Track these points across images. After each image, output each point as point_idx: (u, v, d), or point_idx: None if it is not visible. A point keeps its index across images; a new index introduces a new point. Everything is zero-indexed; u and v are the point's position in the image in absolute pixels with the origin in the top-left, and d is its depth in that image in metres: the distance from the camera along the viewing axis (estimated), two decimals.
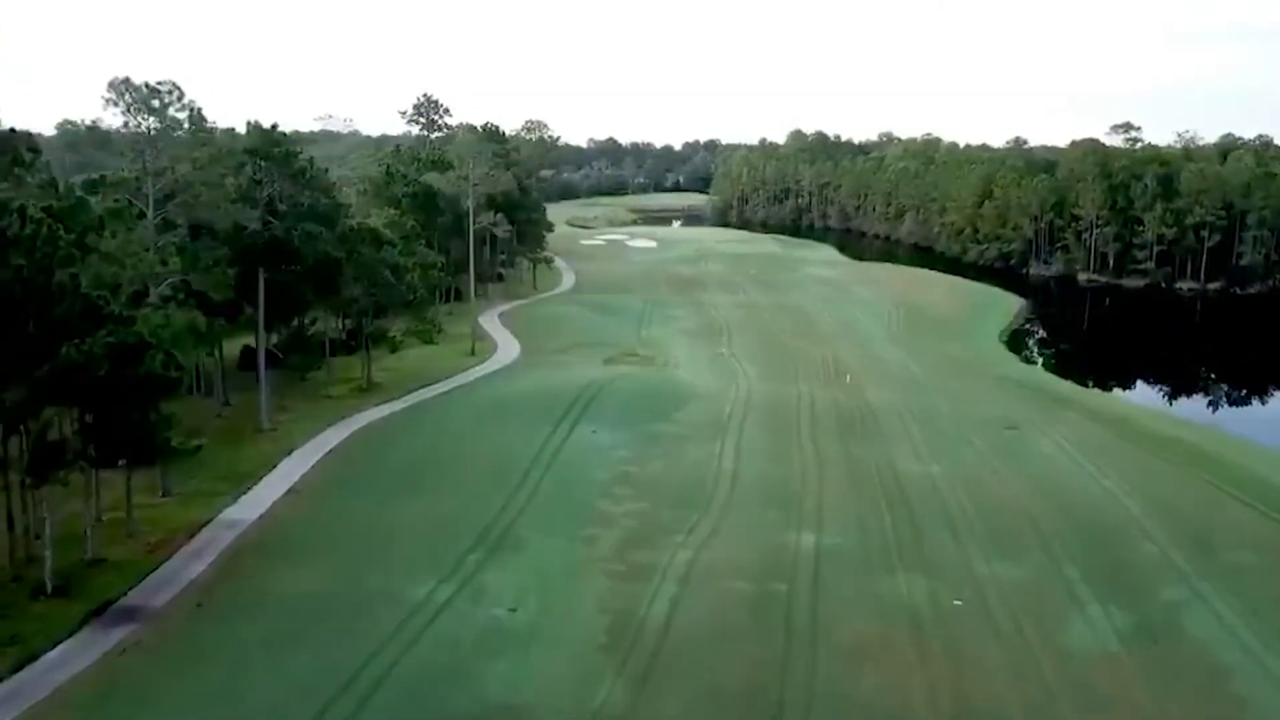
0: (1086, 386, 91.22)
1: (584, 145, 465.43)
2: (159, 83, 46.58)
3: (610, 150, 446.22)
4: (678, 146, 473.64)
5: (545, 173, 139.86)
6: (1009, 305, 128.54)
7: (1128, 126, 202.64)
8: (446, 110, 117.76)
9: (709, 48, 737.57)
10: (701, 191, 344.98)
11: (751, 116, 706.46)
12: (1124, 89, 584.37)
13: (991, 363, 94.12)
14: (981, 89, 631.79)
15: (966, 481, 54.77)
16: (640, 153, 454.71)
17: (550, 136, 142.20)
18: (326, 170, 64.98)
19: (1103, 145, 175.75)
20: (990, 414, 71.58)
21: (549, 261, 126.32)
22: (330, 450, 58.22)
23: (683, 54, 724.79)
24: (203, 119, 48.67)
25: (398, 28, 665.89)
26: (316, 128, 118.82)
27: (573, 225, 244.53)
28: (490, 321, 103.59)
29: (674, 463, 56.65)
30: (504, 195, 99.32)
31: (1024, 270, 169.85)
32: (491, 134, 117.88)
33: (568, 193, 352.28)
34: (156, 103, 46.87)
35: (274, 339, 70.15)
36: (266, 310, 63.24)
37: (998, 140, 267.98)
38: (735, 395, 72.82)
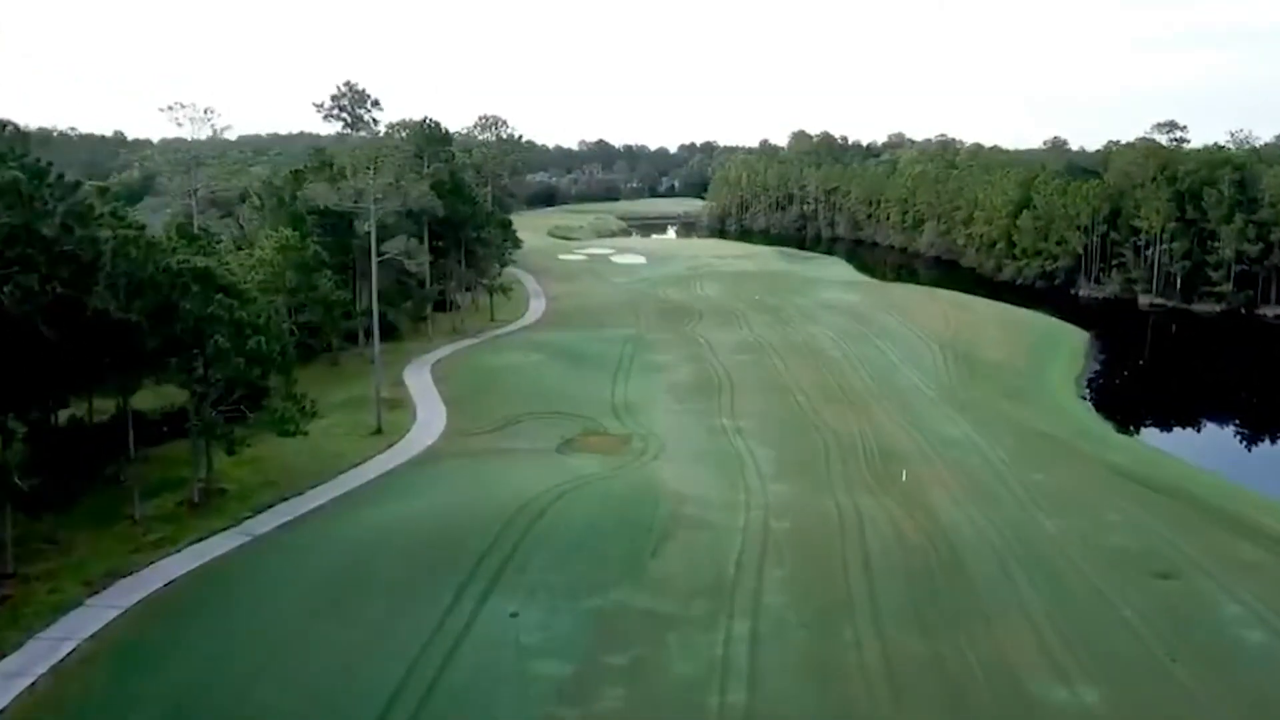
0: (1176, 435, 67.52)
1: (574, 148, 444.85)
2: None
3: (601, 153, 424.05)
4: (673, 149, 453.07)
5: (510, 178, 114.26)
6: (1074, 342, 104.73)
7: (1172, 125, 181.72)
8: (375, 102, 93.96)
9: (705, 45, 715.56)
10: (698, 197, 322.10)
11: (750, 117, 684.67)
12: (1116, 91, 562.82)
13: (1086, 436, 70.11)
14: (991, 88, 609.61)
15: None
16: (633, 155, 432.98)
17: (511, 134, 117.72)
18: (79, 184, 41.36)
19: (1162, 145, 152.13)
20: (1123, 543, 47.69)
21: (506, 290, 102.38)
22: (54, 666, 34.11)
23: (677, 52, 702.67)
24: None
25: (365, 21, 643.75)
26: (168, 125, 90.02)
27: (555, 236, 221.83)
28: (419, 375, 79.48)
29: (644, 691, 32.64)
30: (425, 212, 75.59)
31: (1072, 291, 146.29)
32: (429, 132, 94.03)
33: (553, 199, 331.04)
34: None
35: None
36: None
37: (1011, 141, 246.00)
38: (746, 516, 48.74)
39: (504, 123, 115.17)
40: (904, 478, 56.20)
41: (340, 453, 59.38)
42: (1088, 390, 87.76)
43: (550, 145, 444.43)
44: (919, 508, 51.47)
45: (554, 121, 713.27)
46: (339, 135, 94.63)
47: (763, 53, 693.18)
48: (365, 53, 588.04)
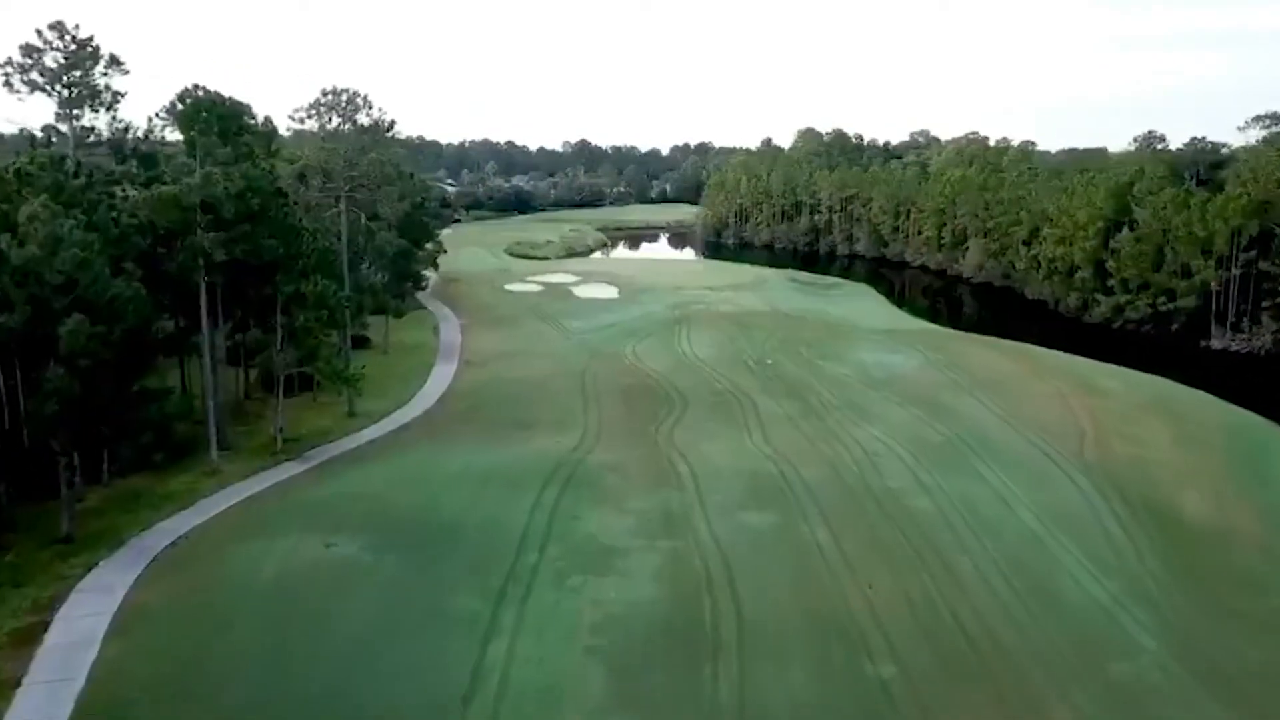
0: None
1: (557, 148, 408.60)
2: None
3: (584, 155, 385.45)
4: (665, 150, 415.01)
5: (377, 189, 71.56)
6: None
7: (1274, 119, 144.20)
8: (115, 61, 52.53)
9: (698, 36, 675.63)
10: (691, 203, 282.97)
11: (750, 115, 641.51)
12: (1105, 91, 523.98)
13: None
14: (1020, 82, 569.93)
15: None
16: (621, 157, 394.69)
17: (379, 120, 74.97)
18: None
19: None
20: None
21: (355, 382, 61.62)
22: None
23: (669, 43, 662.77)
24: None
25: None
26: None
27: (515, 254, 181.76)
28: (97, 600, 38.91)
29: None
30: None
31: (1202, 343, 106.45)
32: (201, 111, 53.25)
33: (527, 205, 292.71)
34: None
35: None
36: None
37: (1050, 141, 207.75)
38: None
39: (366, 102, 72.32)
40: None
41: None
42: None
43: (532, 147, 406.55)
44: None
45: (535, 120, 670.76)
46: (59, 118, 54.23)
47: (761, 44, 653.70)
48: (340, 49, 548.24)
